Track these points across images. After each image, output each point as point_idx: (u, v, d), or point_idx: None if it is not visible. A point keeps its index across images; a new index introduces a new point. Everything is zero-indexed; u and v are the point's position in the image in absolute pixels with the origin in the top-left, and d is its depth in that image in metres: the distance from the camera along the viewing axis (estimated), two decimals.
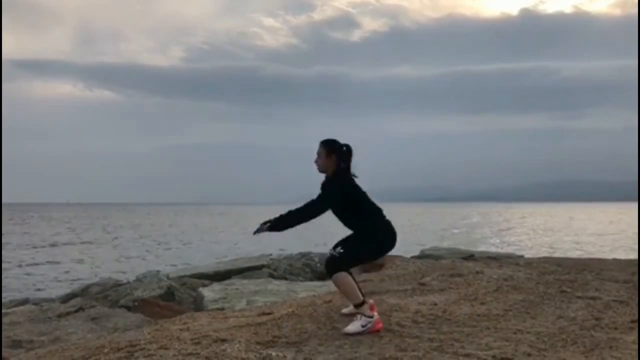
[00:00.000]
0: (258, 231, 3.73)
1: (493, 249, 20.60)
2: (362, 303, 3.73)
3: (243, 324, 3.98)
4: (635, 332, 3.72)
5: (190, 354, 3.17)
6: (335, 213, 3.89)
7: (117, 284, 8.21)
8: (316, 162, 3.93)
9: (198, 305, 6.43)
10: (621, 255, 17.27)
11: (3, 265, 16.89)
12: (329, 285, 5.99)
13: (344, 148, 3.90)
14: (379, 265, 7.31)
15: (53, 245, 27.56)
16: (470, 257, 9.72)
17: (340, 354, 3.25)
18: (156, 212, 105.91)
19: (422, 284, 5.58)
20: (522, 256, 10.53)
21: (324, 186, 3.87)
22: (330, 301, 4.71)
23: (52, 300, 8.66)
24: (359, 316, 3.71)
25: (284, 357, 3.14)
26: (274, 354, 3.17)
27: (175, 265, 16.43)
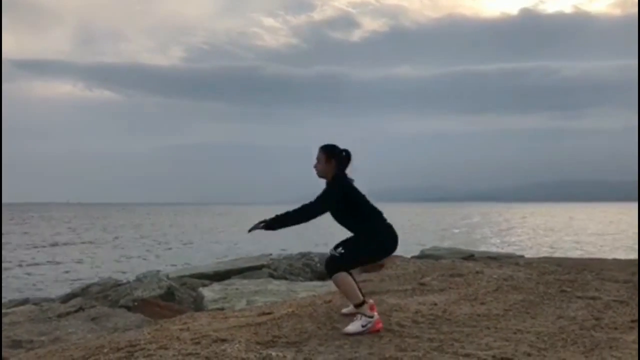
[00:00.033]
0: (253, 229, 3.74)
1: (493, 249, 20.61)
2: (362, 303, 3.73)
3: (243, 324, 3.98)
4: (635, 332, 3.72)
5: (190, 354, 3.17)
6: (335, 216, 3.90)
7: (117, 284, 8.22)
8: (315, 167, 3.94)
9: (198, 305, 6.43)
10: (621, 255, 17.26)
11: (3, 265, 16.90)
12: (329, 285, 5.99)
13: (344, 153, 3.91)
14: (379, 265, 7.31)
15: (53, 245, 27.57)
16: (470, 257, 9.72)
17: (340, 354, 3.25)
18: (156, 212, 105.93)
19: (422, 284, 5.58)
20: (522, 256, 10.53)
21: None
22: (330, 301, 4.71)
23: (52, 300, 8.67)
24: (359, 316, 3.71)
25: (284, 357, 3.14)
26: (274, 354, 3.17)
27: (175, 265, 16.44)
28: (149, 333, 3.81)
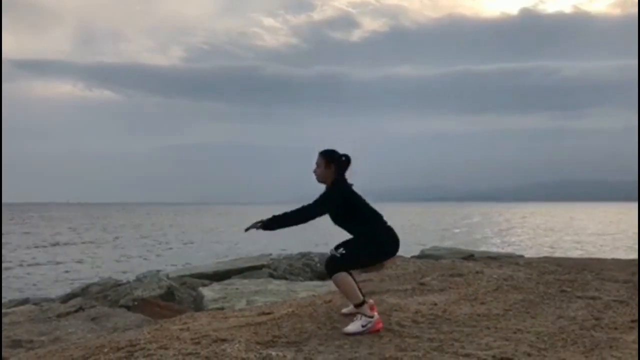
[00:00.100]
0: (250, 228, 3.74)
1: (494, 249, 20.61)
2: (362, 303, 3.73)
3: (243, 323, 3.98)
4: (635, 332, 3.72)
5: (190, 353, 3.17)
6: (335, 220, 3.90)
7: (117, 284, 8.21)
8: (315, 172, 3.95)
9: (198, 305, 6.43)
10: (621, 255, 17.26)
11: (3, 265, 16.90)
12: (329, 285, 5.99)
13: (343, 158, 3.92)
14: (380, 265, 7.31)
15: (53, 245, 27.58)
16: (470, 257, 9.72)
17: (340, 353, 3.25)
18: (156, 212, 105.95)
19: (422, 284, 5.58)
20: (522, 256, 10.53)
21: None
22: (330, 301, 4.71)
23: (52, 300, 8.66)
24: (359, 316, 3.71)
25: (284, 357, 3.14)
26: (274, 353, 3.17)
27: (175, 265, 16.44)
28: (149, 333, 3.81)
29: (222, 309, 5.51)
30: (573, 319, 4.13)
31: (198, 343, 3.40)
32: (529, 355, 3.20)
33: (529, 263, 7.63)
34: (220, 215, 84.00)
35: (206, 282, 8.24)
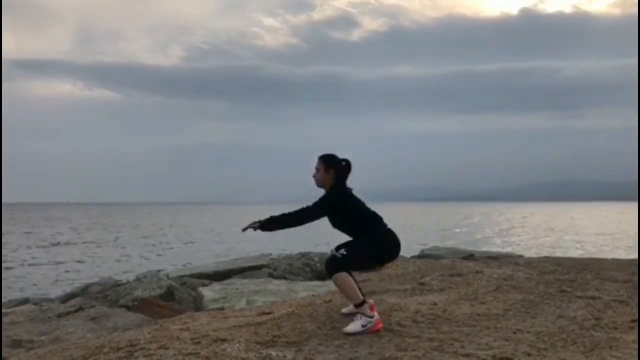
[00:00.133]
0: (247, 228, 3.75)
1: (495, 249, 20.61)
2: (362, 303, 3.73)
3: (243, 323, 3.98)
4: (635, 332, 3.72)
5: (190, 353, 3.17)
6: (334, 224, 3.91)
7: (117, 284, 8.21)
8: (314, 176, 3.95)
9: (198, 305, 6.43)
10: (621, 255, 17.26)
11: (4, 265, 16.90)
12: (329, 285, 5.99)
13: (343, 163, 3.92)
14: (379, 266, 7.31)
15: (53, 245, 27.58)
16: (470, 256, 9.72)
17: (340, 353, 3.25)
18: (156, 211, 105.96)
19: (422, 284, 5.58)
20: (521, 256, 10.53)
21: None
22: (330, 301, 4.71)
23: (52, 300, 8.67)
24: (359, 316, 3.71)
25: (284, 356, 3.14)
26: (273, 353, 3.17)
27: (175, 265, 16.44)
28: (148, 333, 3.81)
29: (222, 309, 5.51)
30: (573, 318, 4.13)
31: (198, 343, 3.40)
32: (529, 355, 3.20)
33: (529, 263, 7.63)
34: (220, 215, 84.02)
35: (206, 282, 8.24)
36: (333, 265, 3.72)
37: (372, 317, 3.71)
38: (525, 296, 4.96)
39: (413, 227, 43.67)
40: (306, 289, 6.62)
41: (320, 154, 3.98)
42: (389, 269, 6.99)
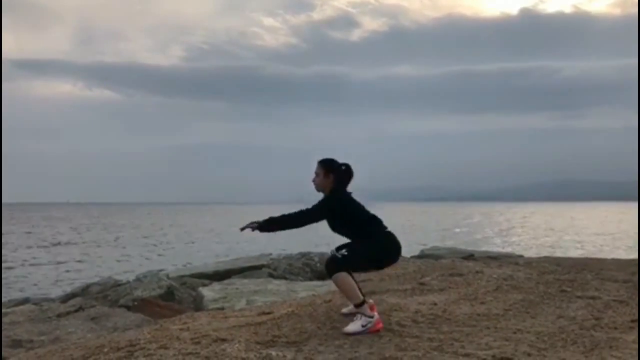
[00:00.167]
0: (245, 228, 3.75)
1: (495, 249, 20.60)
2: (362, 303, 3.73)
3: (243, 323, 3.98)
4: (635, 332, 3.72)
5: (190, 353, 3.17)
6: (334, 228, 3.91)
7: (117, 284, 8.21)
8: (314, 181, 3.95)
9: (198, 304, 6.43)
10: (622, 255, 17.26)
11: (4, 264, 16.91)
12: (329, 285, 5.99)
13: (343, 167, 3.91)
14: (379, 267, 7.31)
15: (53, 245, 27.58)
16: (470, 256, 9.72)
17: (340, 353, 3.25)
18: (156, 211, 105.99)
19: (422, 284, 5.58)
20: (521, 256, 10.54)
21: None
22: (330, 301, 4.71)
23: (52, 299, 8.67)
24: (359, 316, 3.71)
25: (284, 356, 3.14)
26: (273, 353, 3.17)
27: (176, 265, 16.45)
28: (148, 333, 3.81)
29: (222, 308, 5.51)
30: (573, 318, 4.13)
31: (198, 343, 3.40)
32: (529, 355, 3.20)
33: (529, 263, 7.63)
34: (220, 215, 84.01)
35: (206, 282, 8.24)
36: (333, 266, 3.72)
37: (372, 317, 3.71)
38: (525, 296, 4.96)
39: (413, 227, 43.67)
40: (306, 289, 6.61)
41: (320, 158, 3.98)
42: (389, 269, 6.98)
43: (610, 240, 28.56)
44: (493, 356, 3.16)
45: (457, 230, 40.18)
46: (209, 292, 6.59)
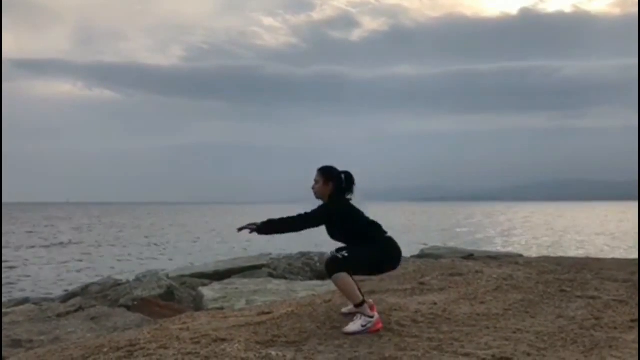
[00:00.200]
0: (243, 229, 3.74)
1: (497, 249, 20.60)
2: (362, 303, 3.73)
3: (243, 323, 3.98)
4: (635, 332, 3.72)
5: (190, 353, 3.17)
6: (333, 235, 3.91)
7: (117, 284, 8.22)
8: (313, 188, 3.95)
9: (198, 304, 6.43)
10: (622, 254, 17.28)
11: (4, 264, 16.91)
12: (328, 285, 5.99)
13: (342, 175, 3.91)
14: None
15: (53, 244, 27.57)
16: (470, 256, 9.73)
17: (340, 353, 3.25)
18: (156, 211, 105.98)
19: (422, 284, 5.58)
20: (521, 255, 10.54)
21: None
22: (330, 300, 4.70)
23: (51, 299, 8.67)
24: (359, 316, 3.71)
25: (284, 356, 3.14)
26: (273, 353, 3.17)
27: (175, 264, 16.44)
28: (148, 332, 3.81)
29: (221, 308, 5.51)
30: (573, 318, 4.13)
31: (198, 343, 3.39)
32: (529, 354, 3.20)
33: (529, 262, 7.63)
34: (220, 214, 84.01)
35: (206, 281, 8.25)
36: (333, 266, 3.71)
37: (372, 317, 3.71)
38: (525, 296, 4.96)
39: (414, 226, 43.69)
40: (306, 289, 6.62)
41: (321, 161, 3.99)
42: None
43: (610, 240, 28.57)
44: (493, 356, 3.16)
45: (458, 230, 40.17)
46: (208, 292, 6.59)
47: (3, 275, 14.55)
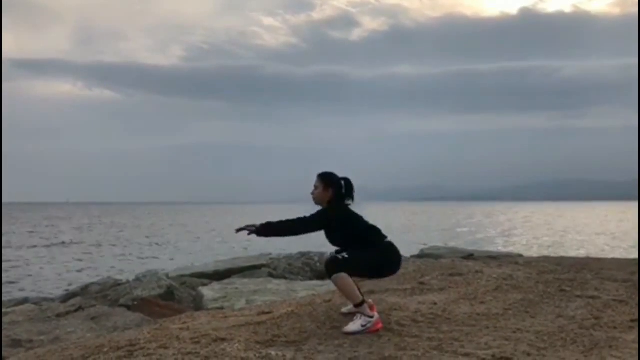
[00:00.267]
0: (241, 230, 3.75)
1: (497, 249, 20.59)
2: (362, 303, 3.73)
3: (243, 323, 3.98)
4: (635, 332, 3.72)
5: (190, 353, 3.17)
6: (332, 241, 3.91)
7: (117, 284, 8.22)
8: (313, 194, 3.96)
9: (198, 304, 6.44)
10: (622, 254, 17.27)
11: (4, 264, 16.91)
12: (328, 285, 5.99)
13: (342, 182, 3.92)
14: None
15: (54, 244, 27.57)
16: (469, 256, 9.73)
17: (340, 353, 3.25)
18: (156, 211, 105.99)
19: (422, 283, 5.58)
20: (521, 255, 10.54)
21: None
22: (330, 300, 4.71)
23: (51, 299, 8.67)
24: (358, 316, 3.71)
25: (284, 356, 3.14)
26: (273, 353, 3.17)
27: (175, 264, 16.44)
28: (148, 332, 3.81)
29: (221, 308, 5.51)
30: (572, 318, 4.13)
31: (198, 342, 3.39)
32: (529, 354, 3.20)
33: (529, 262, 7.63)
34: (220, 214, 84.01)
35: (206, 281, 8.25)
36: (333, 266, 3.71)
37: (372, 317, 3.71)
38: (525, 296, 4.96)
39: (414, 226, 43.69)
40: (306, 289, 6.62)
41: (320, 171, 3.98)
42: None
43: (610, 240, 28.57)
44: (493, 356, 3.16)
45: (459, 230, 40.16)
46: (208, 291, 6.59)
47: (3, 275, 14.55)
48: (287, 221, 3.81)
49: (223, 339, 3.43)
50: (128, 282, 8.42)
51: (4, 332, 4.84)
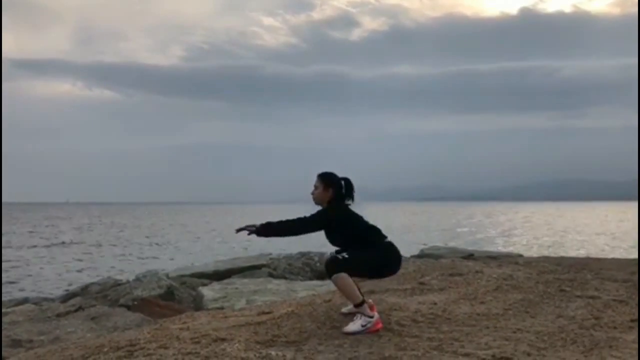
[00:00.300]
0: (241, 230, 3.75)
1: (498, 249, 20.59)
2: (362, 303, 3.73)
3: (243, 323, 3.98)
4: (635, 331, 3.72)
5: (190, 353, 3.17)
6: (333, 241, 3.91)
7: (117, 284, 8.22)
8: (313, 194, 3.96)
9: (198, 304, 6.44)
10: (622, 254, 17.28)
11: (4, 264, 16.91)
12: (328, 285, 5.99)
13: (342, 182, 3.92)
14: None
15: (54, 244, 27.57)
16: (469, 256, 9.73)
17: (340, 353, 3.25)
18: (156, 211, 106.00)
19: (422, 283, 5.58)
20: (521, 255, 10.55)
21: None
22: (330, 300, 4.71)
23: (51, 299, 8.67)
24: (358, 316, 3.71)
25: (284, 356, 3.14)
26: (273, 353, 3.17)
27: (175, 264, 16.44)
28: (148, 332, 3.81)
29: (221, 308, 5.51)
30: (572, 318, 4.13)
31: (198, 342, 3.39)
32: (529, 354, 3.20)
33: (529, 262, 7.63)
34: (220, 214, 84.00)
35: (206, 281, 8.25)
36: (333, 266, 3.71)
37: (372, 317, 3.71)
38: (524, 296, 4.96)
39: (414, 226, 43.69)
40: (306, 289, 6.62)
41: (320, 171, 3.98)
42: None
43: (610, 240, 28.57)
44: (493, 356, 3.16)
45: (459, 230, 40.15)
46: (208, 291, 6.59)
47: (3, 275, 14.55)
48: (287, 221, 3.81)
49: (223, 339, 3.43)
50: (128, 282, 8.42)
51: (4, 332, 4.84)
